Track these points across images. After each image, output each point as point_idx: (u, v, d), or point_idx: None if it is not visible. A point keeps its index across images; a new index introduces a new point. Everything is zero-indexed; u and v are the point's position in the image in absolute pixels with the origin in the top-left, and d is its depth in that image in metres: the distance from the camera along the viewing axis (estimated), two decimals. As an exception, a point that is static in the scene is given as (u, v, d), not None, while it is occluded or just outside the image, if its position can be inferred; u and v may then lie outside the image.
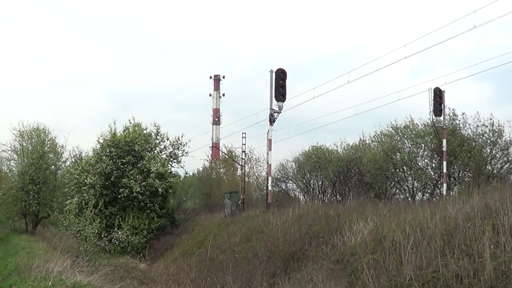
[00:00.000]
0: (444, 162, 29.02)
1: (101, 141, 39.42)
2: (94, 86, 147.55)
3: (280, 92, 28.69)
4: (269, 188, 28.89)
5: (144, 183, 36.80)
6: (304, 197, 42.87)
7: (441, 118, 29.78)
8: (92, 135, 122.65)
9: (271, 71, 28.86)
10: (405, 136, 35.54)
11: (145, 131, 40.36)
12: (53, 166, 47.37)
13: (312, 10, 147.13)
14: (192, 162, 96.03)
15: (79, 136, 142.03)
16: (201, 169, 52.67)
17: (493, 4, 25.41)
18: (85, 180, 37.50)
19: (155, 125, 41.36)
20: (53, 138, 48.68)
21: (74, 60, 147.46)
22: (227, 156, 51.99)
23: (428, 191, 34.24)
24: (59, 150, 48.69)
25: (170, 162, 40.98)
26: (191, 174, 51.32)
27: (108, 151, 37.77)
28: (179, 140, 41.16)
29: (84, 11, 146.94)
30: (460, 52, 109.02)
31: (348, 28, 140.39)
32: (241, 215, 29.89)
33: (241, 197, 35.99)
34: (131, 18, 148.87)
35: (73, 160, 49.54)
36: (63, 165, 49.49)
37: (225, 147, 54.87)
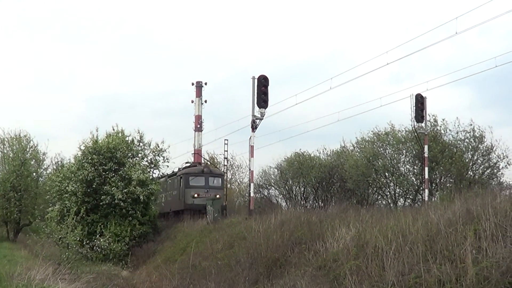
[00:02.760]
0: (426, 168, 29.17)
1: (82, 148, 39.21)
2: (75, 93, 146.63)
3: (262, 99, 28.68)
4: (252, 194, 28.91)
5: (125, 190, 36.63)
6: (287, 204, 43.05)
7: (423, 124, 29.91)
8: (74, 142, 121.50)
9: (253, 78, 28.85)
10: (387, 142, 35.71)
11: (128, 138, 40.23)
12: (34, 173, 47.20)
13: (294, 17, 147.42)
14: (174, 168, 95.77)
15: (61, 143, 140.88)
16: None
17: (474, 11, 25.54)
18: (67, 187, 37.24)
19: (139, 132, 41.25)
20: (35, 145, 48.46)
21: (55, 66, 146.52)
22: (209, 163, 52.03)
23: (410, 197, 34.46)
24: (41, 157, 48.52)
25: (151, 169, 40.86)
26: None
27: (90, 158, 37.54)
28: (159, 146, 41.04)
29: (65, 17, 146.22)
30: (440, 59, 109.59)
31: (329, 35, 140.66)
32: (223, 222, 29.86)
33: (224, 203, 36.17)
34: (112, 24, 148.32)
35: (54, 167, 49.36)
36: (45, 172, 49.35)
37: (207, 153, 54.96)
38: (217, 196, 38.83)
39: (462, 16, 26.99)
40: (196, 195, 40.06)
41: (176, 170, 45.73)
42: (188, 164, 45.96)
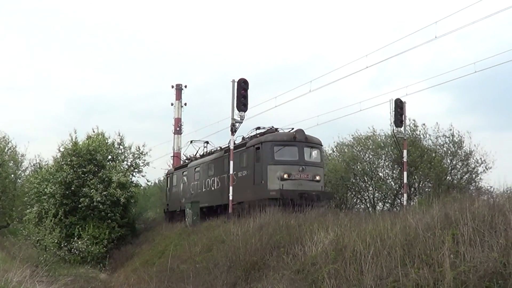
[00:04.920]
0: (405, 173, 29.27)
1: (61, 149, 39.02)
2: (54, 94, 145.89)
3: (242, 102, 28.63)
4: (231, 198, 28.79)
5: (105, 193, 36.47)
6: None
7: (402, 129, 30.00)
8: (52, 144, 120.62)
9: (233, 81, 28.78)
10: (366, 146, 35.84)
11: (108, 141, 40.11)
12: (12, 175, 46.94)
13: (274, 20, 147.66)
14: (154, 171, 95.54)
15: (40, 145, 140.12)
16: (162, 178, 52.44)
17: (453, 16, 25.64)
18: (45, 189, 37.04)
19: (119, 135, 41.13)
20: (13, 146, 48.21)
21: (33, 66, 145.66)
22: (188, 166, 51.79)
23: (389, 201, 34.57)
24: (19, 159, 48.27)
25: (131, 172, 40.71)
26: (152, 183, 51.10)
27: (69, 159, 37.33)
28: (139, 149, 40.92)
29: (43, 17, 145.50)
30: (419, 64, 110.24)
31: (309, 38, 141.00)
32: (202, 225, 29.78)
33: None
34: (91, 25, 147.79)
35: (33, 169, 49.06)
36: (23, 174, 49.07)
37: (185, 156, 54.75)
38: (317, 178, 27.80)
39: (441, 20, 27.05)
40: (286, 176, 26.96)
41: (221, 146, 34.88)
42: (261, 130, 31.06)
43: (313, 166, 28.11)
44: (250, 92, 28.80)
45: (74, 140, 38.75)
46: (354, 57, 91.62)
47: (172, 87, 72.02)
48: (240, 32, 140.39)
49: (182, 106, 72.06)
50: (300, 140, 28.13)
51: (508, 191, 14.21)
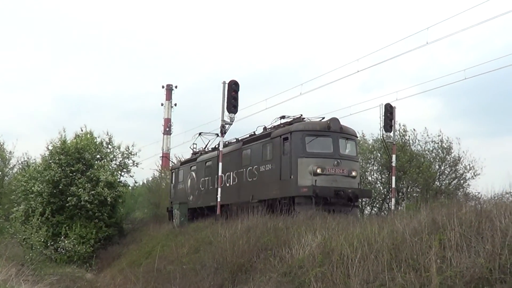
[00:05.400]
0: (393, 177, 29.27)
1: (50, 148, 38.93)
2: (42, 92, 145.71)
3: (232, 104, 28.60)
4: (219, 199, 28.75)
5: (92, 192, 36.39)
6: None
7: (391, 133, 30.00)
8: (41, 142, 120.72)
9: (224, 83, 28.77)
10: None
11: (97, 140, 40.05)
12: (0, 172, 46.62)
13: (266, 23, 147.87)
14: (142, 171, 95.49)
15: (28, 143, 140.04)
16: (150, 179, 52.38)
17: (444, 22, 25.72)
18: (33, 188, 36.93)
19: (108, 134, 41.09)
20: (1, 143, 47.90)
21: (22, 64, 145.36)
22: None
23: (377, 205, 34.59)
24: (7, 156, 47.96)
25: (120, 172, 40.65)
26: (140, 183, 51.00)
27: (57, 158, 37.28)
28: (129, 149, 40.88)
29: (32, 13, 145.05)
30: (410, 69, 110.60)
31: (302, 42, 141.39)
32: (189, 226, 29.73)
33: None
34: (81, 22, 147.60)
35: (21, 166, 48.83)
36: (11, 172, 48.75)
37: (176, 157, 54.70)
38: (353, 173, 24.97)
39: (433, 26, 27.13)
40: (319, 171, 23.94)
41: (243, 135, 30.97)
42: (287, 119, 27.77)
43: (349, 160, 25.24)
44: (240, 94, 28.79)
45: (62, 138, 38.68)
46: (345, 61, 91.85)
47: (163, 87, 72.24)
48: (232, 34, 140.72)
49: (172, 107, 72.27)
50: (334, 130, 25.08)
51: (496, 198, 14.22)
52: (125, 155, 40.74)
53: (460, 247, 10.99)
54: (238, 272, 17.21)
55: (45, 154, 39.67)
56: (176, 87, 72.96)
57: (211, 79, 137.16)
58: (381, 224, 14.80)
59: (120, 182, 40.01)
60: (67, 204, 36.62)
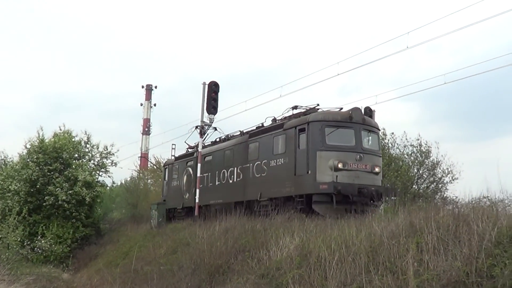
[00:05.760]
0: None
1: (28, 146, 38.68)
2: (21, 90, 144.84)
3: (212, 105, 28.57)
4: (197, 200, 28.70)
5: (70, 191, 36.20)
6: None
7: (371, 137, 29.99)
8: (19, 140, 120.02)
9: (204, 83, 28.78)
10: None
11: (75, 139, 39.89)
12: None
13: (247, 24, 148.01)
14: (120, 171, 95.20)
15: (4, 141, 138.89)
16: (128, 179, 52.20)
17: (424, 27, 25.84)
18: (10, 186, 36.66)
19: (86, 133, 40.94)
20: (-21, 142, 47.66)
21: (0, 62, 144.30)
22: (155, 167, 51.58)
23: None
24: (-16, 154, 47.66)
25: (98, 171, 40.51)
26: (118, 183, 50.82)
27: (35, 157, 37.05)
28: (107, 149, 40.78)
29: (13, 12, 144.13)
30: (390, 73, 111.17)
31: (282, 44, 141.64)
32: (167, 227, 29.66)
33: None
34: (61, 21, 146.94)
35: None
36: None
37: (154, 157, 54.57)
38: (376, 169, 22.76)
39: (413, 31, 27.28)
40: (340, 166, 21.61)
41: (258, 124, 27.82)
42: (300, 110, 25.53)
43: (372, 154, 22.98)
44: (220, 95, 28.80)
45: (40, 137, 38.46)
46: (325, 64, 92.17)
47: (142, 87, 72.07)
48: (213, 35, 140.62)
49: (151, 107, 72.09)
50: (356, 121, 22.78)
51: (473, 202, 14.30)
52: (104, 154, 40.61)
53: (437, 250, 11.04)
54: (216, 274, 17.19)
55: (23, 152, 39.43)
56: (155, 87, 72.90)
57: (190, 80, 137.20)
58: (359, 226, 14.83)
59: (98, 182, 39.88)
60: (44, 204, 36.41)
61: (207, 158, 30.80)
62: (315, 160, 21.85)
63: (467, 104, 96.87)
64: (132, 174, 52.84)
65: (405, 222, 13.00)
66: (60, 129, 40.19)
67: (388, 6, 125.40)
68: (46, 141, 38.22)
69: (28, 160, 37.45)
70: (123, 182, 52.44)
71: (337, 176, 21.26)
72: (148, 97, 71.99)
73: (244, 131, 28.48)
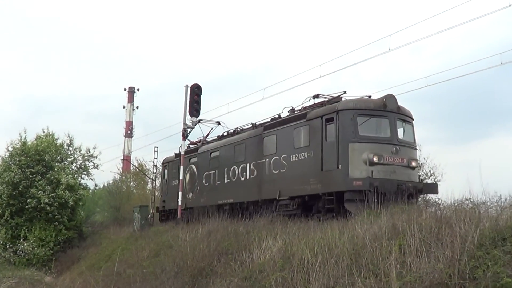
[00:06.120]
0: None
1: (10, 149, 38.47)
2: (2, 92, 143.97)
3: (194, 108, 28.53)
4: (179, 203, 28.64)
5: (53, 194, 36.05)
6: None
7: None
8: (1, 143, 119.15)
9: (187, 86, 28.73)
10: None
11: (57, 141, 39.78)
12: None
13: (229, 27, 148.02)
14: (103, 174, 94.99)
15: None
16: (111, 182, 52.06)
17: (407, 30, 25.92)
18: (-9, 189, 36.49)
19: (68, 136, 40.84)
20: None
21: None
22: (138, 170, 51.46)
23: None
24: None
25: (81, 174, 40.40)
26: (101, 186, 50.66)
27: (17, 159, 36.90)
28: (90, 152, 40.71)
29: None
30: (372, 75, 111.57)
31: (265, 46, 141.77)
32: (150, 230, 29.58)
33: (151, 211, 35.52)
34: (43, 23, 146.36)
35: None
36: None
37: (137, 160, 54.48)
38: (413, 163, 20.53)
39: (395, 33, 27.33)
40: (375, 159, 19.29)
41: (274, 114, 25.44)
42: (323, 98, 23.29)
43: (408, 146, 20.62)
44: (203, 98, 28.75)
45: (23, 139, 38.30)
46: (308, 66, 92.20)
47: (125, 89, 71.88)
48: (196, 38, 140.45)
49: (134, 109, 71.94)
50: (391, 109, 20.32)
51: (455, 204, 14.30)
52: (86, 157, 40.52)
53: (420, 252, 11.05)
54: (198, 276, 17.15)
55: (5, 155, 39.23)
56: (138, 90, 72.74)
57: (173, 83, 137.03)
58: (342, 229, 14.84)
59: (81, 185, 39.79)
60: (26, 206, 36.24)
61: (214, 154, 28.68)
62: (347, 153, 19.51)
63: (450, 106, 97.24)
64: (115, 177, 52.73)
65: (387, 224, 13.01)
66: (43, 132, 40.09)
67: (370, 9, 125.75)
68: (29, 143, 38.05)
69: (11, 162, 37.26)
70: (105, 185, 52.35)
71: (372, 171, 19.11)
72: (131, 99, 71.81)
73: (257, 124, 26.37)
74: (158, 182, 39.09)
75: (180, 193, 28.51)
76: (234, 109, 45.79)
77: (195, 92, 28.58)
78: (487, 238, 10.23)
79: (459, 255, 10.16)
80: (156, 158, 38.27)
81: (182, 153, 29.18)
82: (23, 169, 36.69)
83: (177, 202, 28.69)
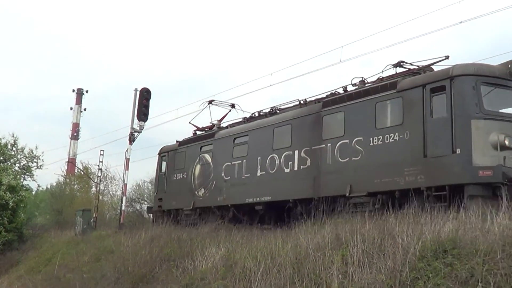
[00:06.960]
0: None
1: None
2: None
3: (142, 112, 28.37)
4: (123, 208, 28.42)
5: (-7, 195, 35.42)
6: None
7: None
8: None
9: (136, 90, 28.56)
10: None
11: (1, 141, 39.15)
12: None
13: (180, 33, 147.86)
14: (46, 176, 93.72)
15: None
16: (54, 184, 51.33)
17: (358, 42, 26.13)
18: None
19: (13, 136, 40.19)
20: None
21: None
22: (82, 173, 50.84)
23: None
24: None
25: (23, 175, 39.79)
26: (43, 188, 49.93)
27: (-43, 159, 36.22)
28: (33, 152, 40.11)
29: None
30: (323, 86, 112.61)
31: (216, 53, 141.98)
32: (92, 234, 29.24)
33: (94, 215, 35.11)
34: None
35: None
36: None
37: (82, 163, 53.80)
38: None
39: (347, 45, 27.60)
40: (507, 142, 14.63)
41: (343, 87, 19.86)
42: (410, 66, 18.63)
43: None
44: (152, 103, 28.58)
45: (-36, 139, 37.64)
46: (258, 74, 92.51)
47: (73, 91, 71.12)
48: (146, 43, 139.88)
49: (81, 111, 71.14)
50: None
51: (399, 215, 14.25)
52: (28, 158, 39.91)
53: (362, 263, 11.09)
54: (140, 283, 17.04)
55: None
56: (87, 91, 72.02)
57: (122, 86, 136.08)
58: (285, 238, 14.83)
59: (23, 186, 39.14)
60: (-35, 207, 35.47)
61: (239, 140, 23.58)
62: (469, 133, 14.81)
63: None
64: (58, 179, 52.03)
65: (331, 234, 13.03)
66: (-14, 131, 39.43)
67: (322, 19, 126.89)
68: (-30, 143, 37.43)
69: (-50, 162, 36.57)
70: (48, 187, 51.61)
71: (504, 158, 14.46)
72: (79, 101, 71.11)
73: (307, 100, 21.45)
74: (103, 186, 38.61)
75: (124, 197, 28.23)
76: (183, 115, 45.55)
77: (144, 96, 28.40)
78: (429, 250, 10.29)
79: (400, 266, 10.21)
80: (102, 162, 37.86)
81: (128, 157, 28.92)
82: (-37, 169, 36.01)
83: (121, 206, 28.41)
